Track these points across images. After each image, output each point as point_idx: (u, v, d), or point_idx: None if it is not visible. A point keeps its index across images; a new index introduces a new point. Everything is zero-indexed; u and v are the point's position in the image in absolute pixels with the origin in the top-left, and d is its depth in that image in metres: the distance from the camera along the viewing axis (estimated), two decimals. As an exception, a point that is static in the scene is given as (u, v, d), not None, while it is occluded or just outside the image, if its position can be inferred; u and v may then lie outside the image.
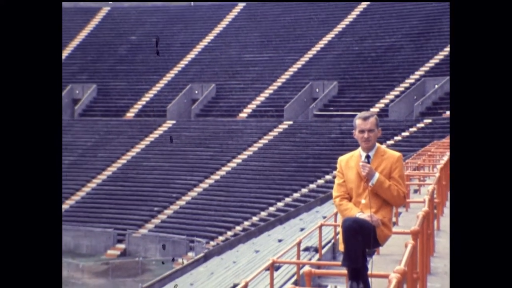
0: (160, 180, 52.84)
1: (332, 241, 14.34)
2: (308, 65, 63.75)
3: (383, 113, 52.92)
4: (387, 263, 8.68)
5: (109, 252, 46.64)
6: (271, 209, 45.86)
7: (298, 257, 11.74)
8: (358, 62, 62.06)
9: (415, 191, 18.55)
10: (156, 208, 49.69)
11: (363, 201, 6.17)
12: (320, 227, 12.65)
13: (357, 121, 6.26)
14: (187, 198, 50.32)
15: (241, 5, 75.23)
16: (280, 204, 46.13)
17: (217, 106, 62.46)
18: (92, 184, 54.57)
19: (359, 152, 6.31)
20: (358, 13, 69.08)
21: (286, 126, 56.63)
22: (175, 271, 32.22)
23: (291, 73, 63.57)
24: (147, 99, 65.54)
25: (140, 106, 64.77)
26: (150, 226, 48.21)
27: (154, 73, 68.29)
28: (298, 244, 11.52)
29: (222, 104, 62.48)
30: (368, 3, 69.71)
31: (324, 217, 20.12)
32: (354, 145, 6.46)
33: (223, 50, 69.16)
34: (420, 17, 65.04)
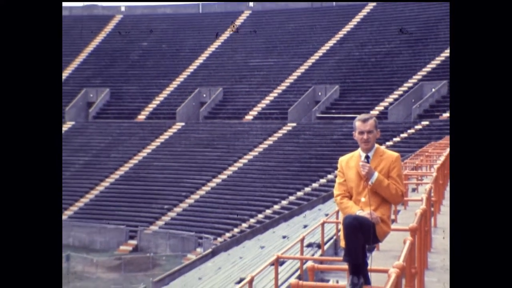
0: (170, 179, 52.88)
1: (334, 237, 14.31)
2: (311, 70, 63.72)
3: (382, 115, 52.88)
4: (387, 258, 8.66)
5: (122, 247, 46.69)
6: (276, 207, 45.84)
7: (302, 253, 11.71)
8: (358, 67, 62.01)
9: (413, 190, 18.51)
10: (166, 206, 49.72)
11: (363, 199, 6.16)
12: (322, 224, 12.62)
13: (357, 123, 6.26)
14: (195, 196, 50.33)
15: (247, 12, 75.31)
16: (284, 202, 46.10)
17: (224, 108, 62.48)
18: (106, 183, 54.64)
19: (359, 153, 6.31)
20: (358, 20, 69.06)
21: (290, 128, 56.60)
22: (184, 266, 32.20)
23: (294, 77, 63.55)
24: (158, 102, 65.60)
25: (151, 109, 64.84)
26: (160, 223, 48.24)
27: (164, 78, 68.36)
28: (302, 240, 11.50)
29: (229, 107, 62.50)
30: (368, 10, 69.69)
31: (326, 215, 20.08)
32: (355, 146, 6.44)
33: (230, 55, 69.20)
34: (417, 24, 64.97)
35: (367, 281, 6.03)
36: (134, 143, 59.56)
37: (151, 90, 67.14)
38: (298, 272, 11.66)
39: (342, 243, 6.09)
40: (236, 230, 44.07)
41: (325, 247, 13.25)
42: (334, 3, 72.88)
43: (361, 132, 6.20)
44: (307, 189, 47.06)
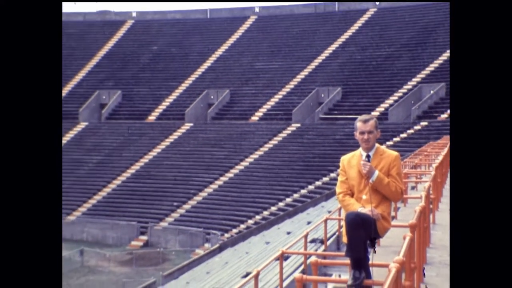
0: (179, 177, 52.92)
1: (336, 233, 14.31)
2: (314, 73, 63.68)
3: (383, 116, 52.82)
4: (387, 253, 8.64)
5: (133, 243, 46.74)
6: (281, 204, 45.82)
7: (305, 248, 11.70)
8: (360, 70, 61.94)
9: (412, 187, 18.47)
10: (175, 203, 49.76)
11: (364, 196, 6.15)
12: (325, 221, 12.62)
13: (358, 124, 6.26)
14: (203, 194, 50.35)
15: (253, 17, 75.28)
16: (288, 200, 46.08)
17: (231, 110, 62.50)
18: (118, 181, 54.71)
19: (360, 152, 6.30)
20: (360, 25, 68.99)
21: (294, 128, 56.58)
22: (192, 260, 32.20)
23: (298, 79, 63.51)
24: (167, 103, 65.66)
25: (160, 110, 64.90)
26: (170, 219, 48.27)
27: (173, 80, 68.41)
28: (305, 236, 11.49)
29: (235, 108, 62.51)
30: (369, 16, 69.62)
31: (329, 212, 20.07)
32: (356, 146, 6.44)
33: (237, 59, 69.21)
34: (416, 29, 64.87)
35: (369, 275, 6.02)
36: (145, 143, 59.63)
37: (161, 92, 67.20)
38: (302, 267, 11.66)
39: (345, 239, 6.09)
40: (242, 226, 44.07)
41: (328, 242, 13.24)
42: (336, 8, 72.81)
43: (362, 133, 6.20)
44: (311, 187, 47.03)
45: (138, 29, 77.76)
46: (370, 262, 6.09)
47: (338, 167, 6.60)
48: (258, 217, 44.84)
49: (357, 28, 68.67)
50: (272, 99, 61.94)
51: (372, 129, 6.19)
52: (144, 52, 73.69)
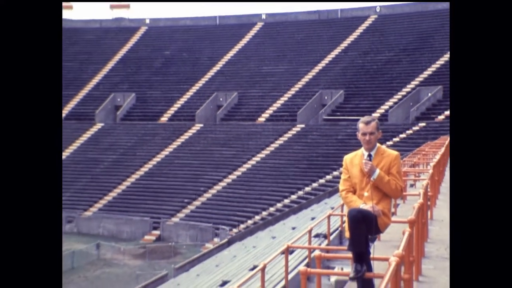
0: (190, 175, 52.96)
1: (339, 228, 14.29)
2: (318, 76, 63.63)
3: (383, 117, 52.72)
4: (387, 248, 8.63)
5: (146, 237, 46.82)
6: (286, 201, 45.81)
7: (310, 243, 11.69)
8: (361, 74, 61.85)
9: (411, 185, 18.44)
10: (186, 200, 49.80)
11: (365, 194, 6.15)
12: (328, 217, 12.61)
13: (360, 125, 6.25)
14: (213, 191, 50.38)
15: (260, 24, 75.27)
16: (293, 197, 46.06)
17: (239, 111, 62.50)
18: (132, 179, 54.81)
19: (362, 151, 6.30)
20: (361, 31, 68.89)
21: (298, 129, 56.54)
22: (202, 254, 32.20)
23: (303, 83, 63.47)
24: (179, 105, 65.72)
25: (172, 112, 64.97)
26: (181, 215, 48.32)
27: (184, 83, 68.48)
28: (310, 231, 11.49)
29: (243, 109, 62.52)
30: (370, 22, 69.52)
31: (332, 208, 20.05)
32: (358, 146, 6.44)
33: (244, 63, 69.22)
34: (415, 35, 64.73)
35: (370, 269, 6.02)
36: (157, 143, 59.70)
37: (173, 94, 67.27)
38: (306, 260, 11.65)
39: (347, 234, 6.09)
40: (249, 222, 44.07)
41: (331, 237, 13.24)
42: (339, 15, 72.72)
43: (364, 134, 6.19)
44: (315, 184, 46.99)
45: (151, 35, 77.86)
46: (371, 255, 6.10)
47: (340, 166, 6.62)
48: (264, 213, 44.84)
49: (358, 34, 68.57)
50: (278, 101, 61.91)
51: (373, 130, 6.19)
52: (157, 56, 73.78)
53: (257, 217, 44.42)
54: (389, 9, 70.68)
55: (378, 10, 70.83)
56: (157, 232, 47.23)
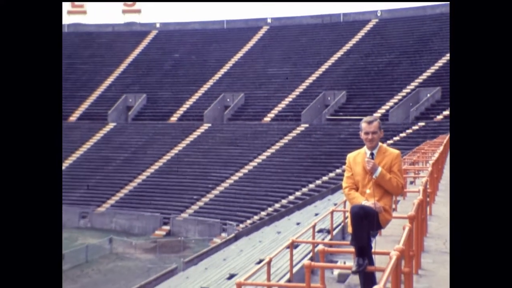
0: (199, 173, 53.00)
1: (342, 224, 14.29)
2: (321, 78, 63.56)
3: (384, 117, 52.61)
4: (388, 242, 8.63)
5: (157, 232, 46.87)
6: (291, 197, 45.79)
7: (313, 238, 11.69)
8: (363, 75, 61.75)
9: (411, 182, 18.41)
10: (195, 196, 49.84)
11: (368, 191, 6.16)
12: (331, 213, 12.61)
13: (363, 125, 6.26)
14: (220, 188, 50.40)
15: (265, 27, 75.25)
16: (298, 194, 46.04)
17: (246, 111, 62.50)
18: (143, 176, 54.89)
19: (365, 150, 6.30)
20: (363, 34, 68.76)
21: (303, 128, 56.50)
22: (210, 248, 32.24)
23: (307, 84, 63.41)
24: (188, 106, 65.77)
25: (181, 112, 65.02)
26: (190, 211, 48.37)
27: (193, 84, 68.51)
28: (313, 226, 11.49)
29: (249, 110, 62.51)
30: (371, 26, 69.39)
31: (335, 204, 20.03)
32: (360, 144, 6.44)
33: (251, 65, 69.19)
34: (415, 38, 64.57)
35: (371, 262, 6.03)
36: (167, 142, 59.76)
37: (182, 95, 67.31)
38: (310, 254, 11.66)
39: (349, 229, 6.09)
40: (256, 217, 44.08)
41: (334, 232, 13.24)
42: (341, 19, 72.61)
43: (367, 133, 6.20)
44: (318, 182, 46.95)
45: (161, 39, 77.94)
46: (372, 250, 6.10)
47: (343, 164, 6.63)
48: (270, 209, 44.84)
49: (360, 37, 68.45)
50: (283, 102, 61.88)
51: (375, 129, 6.20)
52: (167, 59, 73.85)
53: (263, 213, 44.42)
54: (389, 13, 70.51)
55: (379, 14, 70.69)
56: (167, 227, 47.27)
